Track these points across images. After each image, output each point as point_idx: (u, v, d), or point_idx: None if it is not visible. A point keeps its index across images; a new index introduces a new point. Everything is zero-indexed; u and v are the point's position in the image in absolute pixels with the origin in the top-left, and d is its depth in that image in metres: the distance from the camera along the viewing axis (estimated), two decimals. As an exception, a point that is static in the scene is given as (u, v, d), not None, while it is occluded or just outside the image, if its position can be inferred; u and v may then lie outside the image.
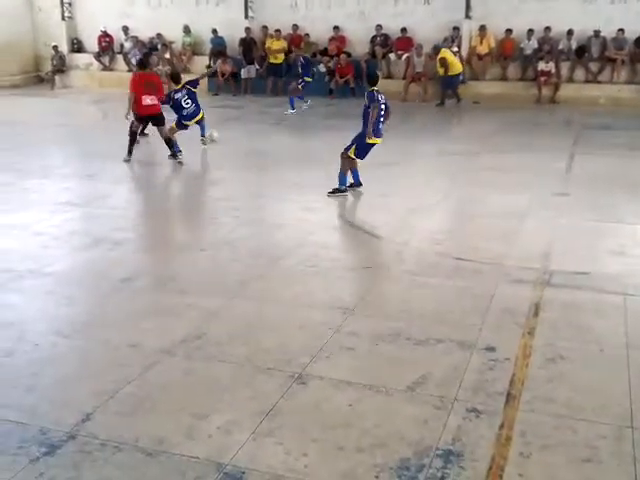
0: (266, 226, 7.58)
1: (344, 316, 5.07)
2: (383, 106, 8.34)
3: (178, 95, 10.77)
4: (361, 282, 5.87)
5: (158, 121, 10.49)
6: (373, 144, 8.40)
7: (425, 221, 7.59)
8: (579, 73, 16.31)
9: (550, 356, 4.48)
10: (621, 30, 15.80)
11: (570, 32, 16.20)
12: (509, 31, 16.52)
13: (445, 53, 15.95)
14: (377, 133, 8.36)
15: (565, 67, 16.21)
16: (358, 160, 8.48)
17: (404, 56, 17.05)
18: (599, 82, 16.12)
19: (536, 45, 16.39)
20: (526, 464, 3.41)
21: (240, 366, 4.36)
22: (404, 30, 17.18)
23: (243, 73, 18.09)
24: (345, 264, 6.31)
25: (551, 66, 15.93)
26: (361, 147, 8.35)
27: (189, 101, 10.81)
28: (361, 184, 8.61)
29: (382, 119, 8.40)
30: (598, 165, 10.09)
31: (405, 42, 17.25)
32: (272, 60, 17.96)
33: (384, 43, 17.51)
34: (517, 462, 3.42)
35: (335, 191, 8.40)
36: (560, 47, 16.33)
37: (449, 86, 16.06)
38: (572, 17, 16.13)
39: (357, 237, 7.17)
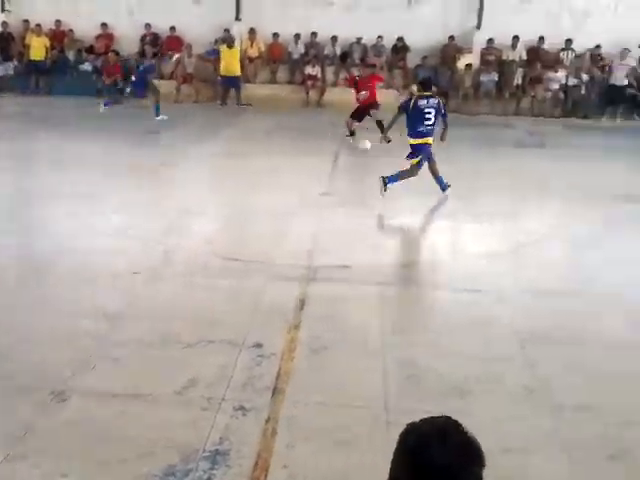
0: (27, 233, 7.10)
1: (111, 324, 4.90)
2: (432, 110, 8.47)
3: None
4: (129, 288, 5.70)
5: None
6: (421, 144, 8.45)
7: (196, 223, 7.57)
8: (343, 77, 17.24)
9: (314, 348, 4.69)
10: (380, 37, 16.96)
11: (334, 38, 17.07)
12: (276, 35, 17.01)
13: (223, 49, 16.10)
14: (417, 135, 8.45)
15: (330, 71, 17.04)
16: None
17: (175, 56, 16.86)
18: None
19: (303, 50, 17.05)
20: (291, 455, 3.53)
21: (-7, 387, 4.04)
22: (173, 29, 17.01)
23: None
24: (112, 270, 6.07)
25: (317, 70, 16.66)
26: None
27: None
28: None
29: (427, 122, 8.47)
30: (360, 166, 10.75)
31: (175, 42, 17.07)
32: (33, 57, 16.81)
33: (154, 42, 17.17)
34: (282, 454, 3.53)
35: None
36: (325, 52, 17.15)
37: (231, 86, 16.17)
38: (336, 24, 17.00)
39: (124, 242, 6.94)
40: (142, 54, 17.10)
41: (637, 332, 5.14)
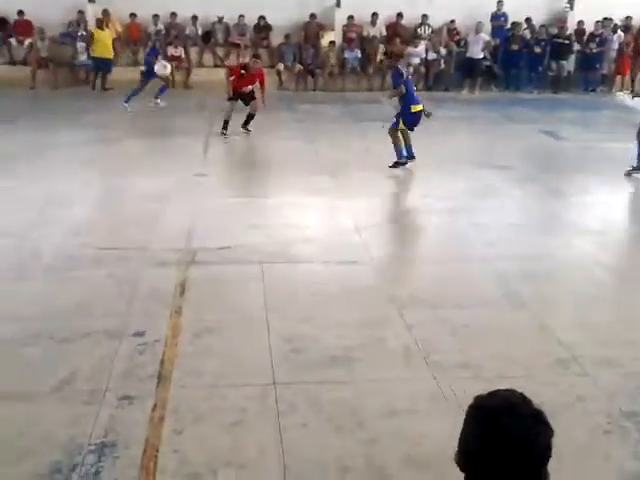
0: None
1: (-24, 325, 4.61)
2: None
3: None
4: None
5: None
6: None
7: (63, 213, 7.21)
8: (208, 57, 16.95)
9: (198, 331, 4.63)
10: (242, 16, 16.81)
11: (195, 17, 16.74)
12: (133, 15, 16.47)
13: (95, 31, 15.56)
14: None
15: (194, 52, 16.72)
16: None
17: (27, 41, 15.95)
18: (227, 66, 16.94)
19: (163, 30, 16.61)
20: (180, 440, 3.49)
21: None
22: (21, 13, 16.05)
23: None
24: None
25: (180, 51, 16.29)
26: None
27: None
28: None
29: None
30: (232, 145, 10.66)
31: (24, 25, 16.13)
32: None
33: (2, 26, 16.15)
34: (171, 440, 3.48)
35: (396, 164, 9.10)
36: (187, 32, 16.79)
37: (102, 69, 15.66)
38: (196, 3, 16.66)
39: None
40: (-10, 39, 16.10)
41: (505, 291, 5.44)
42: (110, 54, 15.69)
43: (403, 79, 9.11)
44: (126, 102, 13.26)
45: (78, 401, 3.77)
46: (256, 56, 12.04)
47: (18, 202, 7.51)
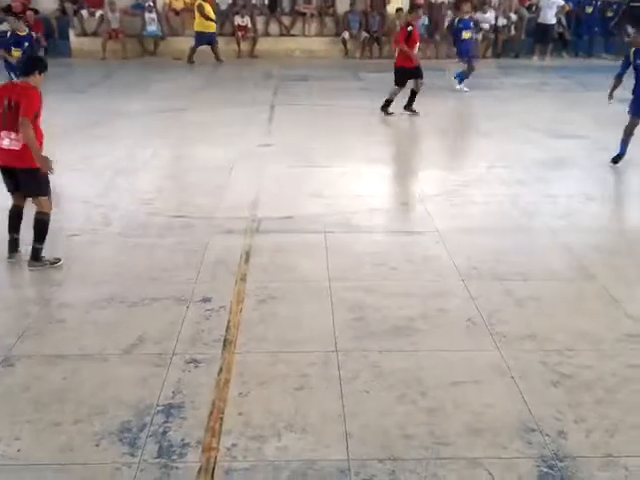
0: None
1: (52, 289, 4.81)
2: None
3: None
4: (68, 251, 5.55)
5: None
6: None
7: (134, 181, 7.41)
8: (274, 27, 16.95)
9: (262, 298, 4.70)
10: (308, -16, 16.72)
11: (262, -14, 16.76)
12: (203, -15, 16.56)
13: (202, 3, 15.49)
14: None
15: (260, 22, 16.73)
16: None
17: (98, 13, 16.27)
18: (293, 35, 16.91)
19: (230, 0, 16.65)
20: (245, 402, 3.57)
21: None
22: (93, -15, 16.39)
23: None
24: (49, 234, 5.89)
25: (247, 20, 16.33)
26: None
27: None
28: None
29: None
30: (296, 115, 10.67)
31: (96, -3, 16.47)
32: None
33: (74, -1, 16.54)
34: (236, 402, 3.56)
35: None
36: (253, 2, 16.80)
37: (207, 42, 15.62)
38: (262, -28, 16.67)
39: (60, 204, 6.73)
40: (63, 11, 16.48)
41: (574, 264, 5.32)
42: (214, 27, 15.69)
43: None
44: None
45: (147, 363, 3.89)
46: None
47: (90, 170, 7.73)
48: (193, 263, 5.26)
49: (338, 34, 16.51)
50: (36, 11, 16.11)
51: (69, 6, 16.42)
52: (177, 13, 16.64)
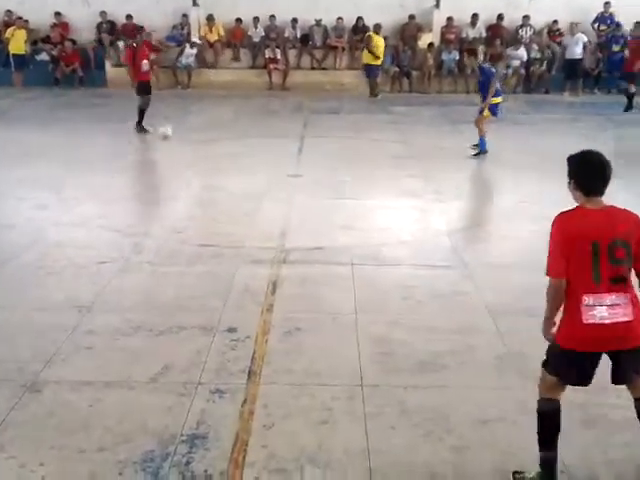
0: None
1: (80, 315, 4.85)
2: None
3: None
4: (98, 278, 5.62)
5: None
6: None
7: (164, 210, 7.52)
8: (305, 60, 17.15)
9: (288, 329, 4.69)
10: (340, 19, 16.90)
11: (294, 20, 16.97)
12: (239, 20, 16.86)
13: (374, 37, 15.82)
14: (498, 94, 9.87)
15: (292, 55, 16.95)
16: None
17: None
18: (324, 68, 17.09)
19: (263, 33, 16.93)
20: (269, 435, 3.54)
21: (-37, 382, 3.97)
22: (129, 17, 16.75)
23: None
24: (79, 261, 5.96)
25: (278, 53, 16.56)
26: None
27: None
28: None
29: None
30: (326, 147, 10.74)
31: (132, 29, 16.79)
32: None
33: (111, 30, 16.92)
34: (260, 434, 3.54)
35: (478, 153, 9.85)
36: (286, 35, 17.04)
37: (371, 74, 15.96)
38: (295, 6, 16.90)
39: (92, 232, 6.84)
40: (99, 42, 16.88)
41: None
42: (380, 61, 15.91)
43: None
44: None
45: (173, 392, 3.89)
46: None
47: (124, 198, 7.84)
48: (220, 292, 5.27)
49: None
50: (74, 41, 16.54)
51: (106, 37, 16.80)
52: (211, 45, 16.93)
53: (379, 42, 15.81)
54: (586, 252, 2.96)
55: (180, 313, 4.91)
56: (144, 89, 11.30)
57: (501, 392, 3.98)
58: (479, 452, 3.43)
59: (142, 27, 13.39)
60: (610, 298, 2.94)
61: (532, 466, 3.24)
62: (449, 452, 3.42)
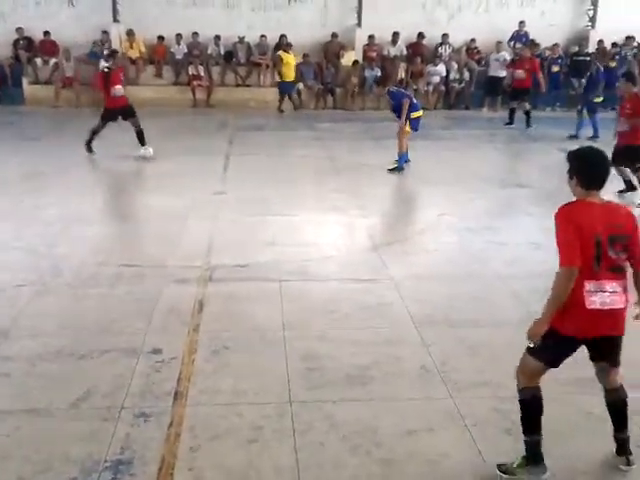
0: None
1: (-3, 341, 4.66)
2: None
3: None
4: (14, 302, 5.41)
5: None
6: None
7: (84, 231, 7.29)
8: (229, 77, 17.10)
9: (215, 348, 4.64)
10: (263, 36, 16.96)
11: (217, 37, 16.93)
12: (161, 38, 16.70)
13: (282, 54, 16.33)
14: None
15: (216, 72, 16.89)
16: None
17: (52, 61, 16.25)
18: (248, 85, 17.08)
19: (186, 50, 16.81)
20: (196, 457, 3.48)
21: None
22: (47, 33, 16.36)
23: None
24: (-4, 285, 5.76)
25: (202, 70, 16.47)
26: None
27: None
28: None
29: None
30: (252, 164, 10.71)
31: (50, 46, 16.44)
32: None
33: (28, 47, 16.47)
34: (187, 457, 3.48)
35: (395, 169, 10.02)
36: (209, 52, 16.97)
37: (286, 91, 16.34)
38: (218, 23, 16.89)
39: (8, 254, 6.58)
40: (16, 58, 16.41)
41: (524, 310, 5.38)
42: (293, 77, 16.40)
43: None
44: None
45: (95, 418, 3.78)
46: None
47: (40, 219, 7.59)
48: (144, 313, 5.17)
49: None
50: (-12, 58, 16.02)
51: (23, 53, 16.34)
52: (132, 62, 16.68)
53: (289, 60, 16.30)
54: (590, 242, 3.10)
55: (102, 336, 4.79)
56: (111, 116, 10.90)
57: (426, 402, 4.04)
58: (406, 463, 3.46)
59: (116, 51, 13.00)
60: (610, 285, 3.13)
61: (457, 476, 3.30)
62: (377, 465, 3.44)
